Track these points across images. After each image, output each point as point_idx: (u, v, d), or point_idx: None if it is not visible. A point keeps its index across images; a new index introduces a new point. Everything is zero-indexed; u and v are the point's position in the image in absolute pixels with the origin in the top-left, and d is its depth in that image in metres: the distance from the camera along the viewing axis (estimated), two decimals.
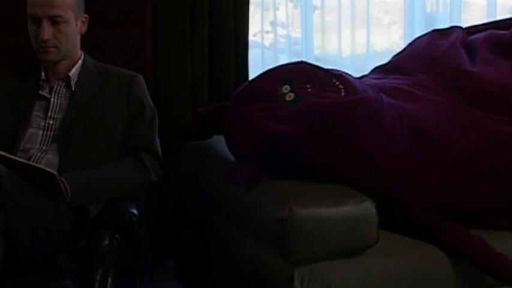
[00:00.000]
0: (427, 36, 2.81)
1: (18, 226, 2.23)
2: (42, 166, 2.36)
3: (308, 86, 2.30)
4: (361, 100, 2.30)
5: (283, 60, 3.56)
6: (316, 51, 3.74)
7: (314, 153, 2.26)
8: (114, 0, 3.18)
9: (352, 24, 3.76)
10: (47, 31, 2.55)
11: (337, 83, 2.33)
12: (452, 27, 2.83)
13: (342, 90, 2.31)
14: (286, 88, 2.31)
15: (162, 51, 3.34)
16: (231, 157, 2.58)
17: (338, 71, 2.45)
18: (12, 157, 2.35)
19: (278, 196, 2.18)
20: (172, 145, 3.00)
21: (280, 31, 3.76)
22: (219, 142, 2.76)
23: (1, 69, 2.91)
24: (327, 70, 2.42)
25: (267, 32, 3.72)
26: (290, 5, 3.78)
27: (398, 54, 2.90)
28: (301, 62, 2.45)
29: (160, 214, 3.11)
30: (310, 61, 2.54)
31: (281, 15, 3.76)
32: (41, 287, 2.34)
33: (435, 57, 2.63)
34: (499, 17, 3.49)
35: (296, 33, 3.78)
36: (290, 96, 2.29)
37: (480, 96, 2.47)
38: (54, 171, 2.33)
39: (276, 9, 3.72)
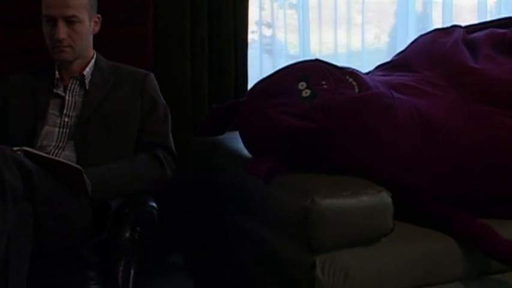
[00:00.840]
0: (430, 35, 2.97)
1: (44, 219, 2.34)
2: (68, 161, 2.46)
3: (323, 82, 2.44)
4: (373, 96, 2.44)
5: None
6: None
7: (330, 147, 2.39)
8: (117, 1, 3.27)
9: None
10: (63, 31, 2.64)
11: (350, 79, 2.47)
12: (452, 26, 2.99)
13: (356, 86, 2.45)
14: (302, 85, 2.44)
15: (163, 50, 3.45)
16: (243, 152, 2.71)
17: (350, 68, 2.59)
18: (39, 153, 2.45)
19: (299, 188, 2.30)
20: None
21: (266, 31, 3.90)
22: (227, 138, 2.91)
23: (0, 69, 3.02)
24: (340, 68, 2.56)
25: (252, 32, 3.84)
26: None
27: (400, 52, 3.05)
28: (316, 60, 2.58)
29: (165, 210, 3.23)
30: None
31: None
32: (66, 278, 2.43)
33: (440, 54, 2.78)
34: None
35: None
36: (307, 93, 2.42)
37: (485, 92, 2.62)
38: (79, 167, 2.43)
39: (261, 9, 3.86)
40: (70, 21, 2.65)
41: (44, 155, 2.46)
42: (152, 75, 2.85)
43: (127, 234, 2.51)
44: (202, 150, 2.98)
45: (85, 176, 2.44)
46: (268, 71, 3.25)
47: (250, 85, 3.53)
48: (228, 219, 2.76)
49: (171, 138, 2.80)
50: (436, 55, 2.79)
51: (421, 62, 2.79)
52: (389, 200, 2.31)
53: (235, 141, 2.82)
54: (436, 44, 2.84)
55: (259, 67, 3.79)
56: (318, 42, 3.88)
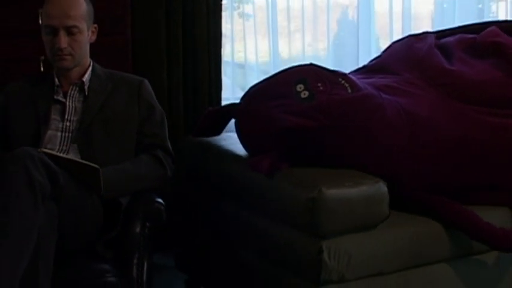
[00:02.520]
0: (404, 40, 3.31)
1: (65, 218, 2.54)
2: (86, 161, 2.69)
3: (319, 84, 2.74)
4: (365, 96, 2.75)
5: None
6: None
7: (328, 143, 2.69)
8: (99, 13, 3.50)
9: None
10: (64, 40, 2.84)
11: (343, 81, 2.78)
12: (424, 33, 3.35)
13: (348, 87, 2.76)
14: (300, 87, 2.74)
15: (141, 59, 3.70)
16: (235, 151, 2.99)
17: (340, 71, 2.92)
18: (57, 154, 2.66)
19: (305, 180, 2.59)
20: None
21: None
22: (216, 139, 3.18)
23: None
24: (333, 71, 2.87)
25: None
26: None
27: (375, 58, 3.40)
28: (310, 64, 2.88)
29: None
30: None
31: None
32: (84, 271, 2.63)
33: (418, 58, 3.12)
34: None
35: None
36: (305, 94, 2.72)
37: (461, 91, 2.96)
38: (97, 166, 2.67)
39: None
40: (70, 31, 2.85)
41: (64, 156, 2.68)
42: (146, 81, 3.07)
43: (138, 230, 2.74)
44: (192, 150, 3.24)
45: (101, 175, 2.68)
46: None
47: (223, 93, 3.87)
48: (226, 215, 3.01)
49: (168, 140, 3.06)
50: (413, 59, 3.13)
51: (400, 66, 3.13)
52: (386, 189, 2.62)
53: (224, 141, 3.12)
54: (412, 49, 3.18)
55: None
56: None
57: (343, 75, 2.82)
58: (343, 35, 4.50)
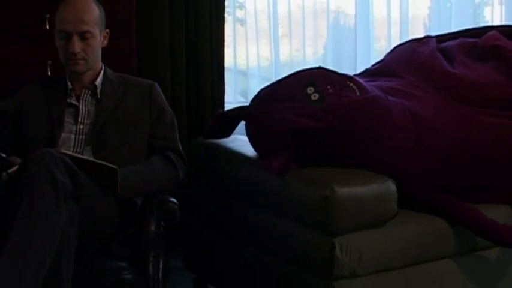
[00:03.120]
0: (407, 45, 3.45)
1: (84, 217, 2.66)
2: (104, 162, 2.79)
3: (329, 87, 2.87)
4: (373, 98, 2.88)
5: None
6: None
7: (338, 143, 2.81)
8: (106, 16, 3.61)
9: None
10: (78, 45, 2.95)
11: (351, 84, 2.91)
12: (426, 37, 3.50)
13: (356, 90, 2.89)
14: (310, 89, 2.86)
15: (145, 62, 3.81)
16: (247, 153, 3.11)
17: (347, 74, 3.05)
18: (76, 155, 2.77)
19: (317, 179, 2.71)
20: None
21: None
22: (226, 141, 3.30)
23: None
24: (341, 74, 3.00)
25: None
26: None
27: (378, 62, 3.54)
28: (319, 67, 3.01)
29: None
30: None
31: None
32: (101, 269, 2.75)
33: (421, 61, 3.26)
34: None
35: None
36: (315, 96, 2.84)
37: (463, 93, 3.10)
38: (115, 166, 2.78)
39: None
40: (84, 36, 2.96)
41: (82, 156, 2.79)
42: (157, 85, 3.18)
43: (153, 229, 2.86)
44: (201, 152, 3.36)
45: (119, 175, 2.79)
46: None
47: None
48: (236, 215, 3.13)
49: (179, 142, 3.18)
50: (417, 62, 3.26)
51: (403, 69, 3.26)
52: (394, 188, 2.75)
53: (232, 143, 3.24)
54: (415, 53, 3.32)
55: None
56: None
57: (351, 78, 2.95)
58: (340, 40, 4.61)
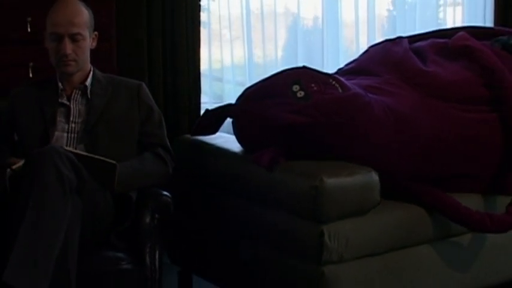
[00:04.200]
0: (381, 45, 3.73)
1: (85, 210, 2.86)
2: (104, 158, 2.98)
3: (313, 85, 3.11)
4: (354, 95, 3.14)
5: None
6: None
7: (323, 137, 3.04)
8: None
9: None
10: (69, 47, 3.13)
11: (333, 82, 3.16)
12: (398, 38, 3.79)
13: (339, 87, 3.14)
14: (296, 87, 3.10)
15: (124, 66, 4.00)
16: (232, 148, 3.35)
17: (330, 73, 3.32)
18: (77, 151, 2.96)
19: (306, 171, 2.94)
20: None
21: None
22: (210, 138, 3.53)
23: None
24: (323, 72, 3.26)
25: None
26: None
27: (351, 62, 3.82)
28: (303, 67, 3.26)
29: None
30: None
31: None
32: (100, 260, 2.94)
33: (395, 60, 3.53)
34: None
35: None
36: (301, 94, 3.09)
37: (437, 90, 3.37)
38: (115, 162, 2.98)
39: None
40: (75, 38, 3.13)
41: (83, 153, 2.97)
42: (144, 85, 3.37)
43: (148, 221, 3.06)
44: (186, 148, 3.59)
45: (118, 170, 3.00)
46: None
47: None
48: (224, 208, 3.35)
49: (167, 139, 3.37)
50: (392, 61, 3.54)
51: (379, 68, 3.53)
52: (377, 178, 3.01)
53: (216, 139, 3.48)
54: (390, 52, 3.60)
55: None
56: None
57: (333, 77, 3.20)
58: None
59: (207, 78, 4.44)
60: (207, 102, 4.36)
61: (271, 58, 4.63)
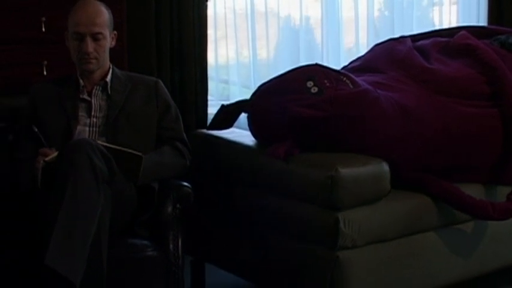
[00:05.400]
0: (386, 43, 4.02)
1: (113, 199, 3.08)
2: (130, 150, 3.17)
3: (326, 81, 3.39)
4: (364, 91, 3.42)
5: None
6: None
7: (336, 130, 3.29)
8: None
9: None
10: (91, 45, 3.34)
11: (344, 78, 3.44)
12: (402, 37, 4.09)
13: (349, 83, 3.42)
14: (310, 83, 3.38)
15: (134, 64, 4.24)
16: (246, 142, 3.62)
17: (341, 70, 3.62)
18: (105, 144, 3.18)
19: (322, 162, 3.20)
20: None
21: None
22: (223, 133, 3.80)
23: None
24: (335, 69, 3.56)
25: None
26: None
27: (356, 59, 4.12)
28: (315, 64, 3.55)
29: None
30: None
31: None
32: (127, 247, 3.18)
33: (400, 58, 3.82)
34: None
35: None
36: (315, 90, 3.37)
37: (441, 86, 3.65)
38: (141, 154, 3.24)
39: None
40: (96, 37, 3.35)
41: (111, 145, 3.18)
42: (161, 81, 3.60)
43: (170, 211, 3.31)
44: (200, 142, 3.84)
45: (143, 162, 3.25)
46: None
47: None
48: (240, 199, 3.61)
49: (184, 133, 3.59)
50: (397, 59, 3.82)
51: (385, 65, 3.82)
52: (387, 168, 3.30)
53: (229, 134, 3.74)
54: (394, 51, 3.90)
55: None
56: None
57: (344, 73, 3.48)
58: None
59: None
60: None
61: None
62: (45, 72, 3.78)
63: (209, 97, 4.49)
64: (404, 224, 3.39)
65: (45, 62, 3.78)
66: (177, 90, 4.37)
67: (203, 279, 3.98)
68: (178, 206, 3.34)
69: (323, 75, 3.38)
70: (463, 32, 3.99)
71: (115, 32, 3.51)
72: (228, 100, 4.42)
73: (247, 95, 3.84)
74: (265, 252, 3.49)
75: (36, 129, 3.31)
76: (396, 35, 4.35)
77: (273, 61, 4.87)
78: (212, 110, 4.26)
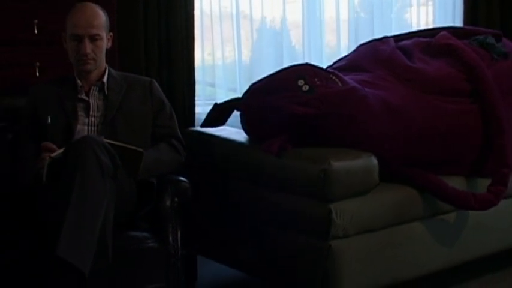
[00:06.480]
0: (370, 44, 4.27)
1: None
2: (131, 146, 3.35)
3: (316, 79, 3.64)
4: (353, 89, 3.67)
5: None
6: None
7: (326, 127, 3.51)
8: None
9: None
10: (88, 47, 3.53)
11: (333, 77, 3.69)
12: (385, 37, 4.37)
13: (338, 82, 3.67)
14: (301, 82, 3.61)
15: (123, 63, 4.45)
16: (239, 139, 3.85)
17: (329, 69, 3.88)
18: (108, 140, 3.31)
19: (314, 156, 3.43)
20: None
21: None
22: (215, 131, 4.04)
23: None
24: (324, 69, 3.82)
25: None
26: None
27: (341, 59, 4.39)
28: (306, 64, 3.81)
29: None
30: None
31: None
32: (129, 239, 3.36)
33: (385, 58, 4.07)
34: None
35: None
36: (306, 88, 3.60)
37: (424, 84, 3.89)
38: (142, 150, 3.40)
39: None
40: (93, 38, 3.53)
41: (114, 142, 3.32)
42: (155, 81, 3.80)
43: (168, 204, 3.51)
44: (194, 140, 4.07)
45: (143, 158, 3.42)
46: None
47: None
48: (234, 193, 3.84)
49: (178, 130, 3.80)
50: (381, 59, 4.07)
51: (370, 65, 4.07)
52: (376, 161, 3.55)
53: (220, 132, 3.97)
54: (379, 51, 4.15)
55: None
56: None
57: (332, 72, 3.73)
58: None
59: None
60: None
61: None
62: (37, 74, 3.96)
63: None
64: (391, 214, 3.63)
65: (38, 64, 3.95)
66: (165, 90, 4.55)
67: (195, 271, 4.20)
68: (176, 199, 3.53)
69: (313, 74, 3.62)
70: (443, 32, 4.26)
71: (111, 33, 3.70)
72: (215, 100, 4.62)
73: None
74: (260, 244, 3.71)
75: (49, 121, 3.50)
76: (375, 37, 4.62)
77: (255, 63, 5.10)
78: (199, 109, 4.54)
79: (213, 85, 4.92)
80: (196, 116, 4.55)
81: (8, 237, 3.29)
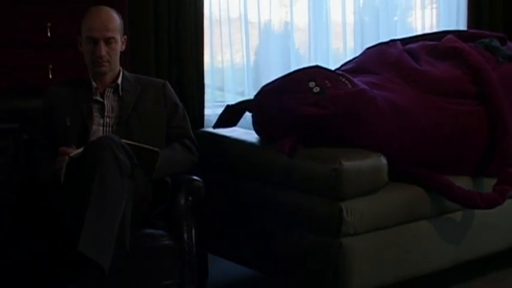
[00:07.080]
0: (377, 47, 4.41)
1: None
2: (148, 146, 3.48)
3: (326, 81, 3.77)
4: (362, 90, 3.81)
5: None
6: None
7: (336, 127, 3.64)
8: None
9: None
10: (104, 49, 3.66)
11: (343, 79, 3.83)
12: (392, 40, 4.52)
13: (348, 84, 3.81)
14: (312, 84, 3.75)
15: (135, 64, 4.55)
16: (250, 140, 4.00)
17: (339, 71, 4.03)
18: (125, 140, 3.43)
19: (326, 156, 3.55)
20: None
21: None
22: (226, 131, 4.18)
23: None
24: (334, 71, 3.97)
25: None
26: None
27: (348, 62, 4.53)
28: (316, 66, 3.95)
29: None
30: None
31: None
32: (145, 236, 3.50)
33: (392, 61, 4.21)
34: None
35: None
36: (316, 89, 3.74)
37: (430, 86, 4.02)
38: (158, 149, 3.52)
39: None
40: (108, 41, 3.67)
41: (129, 142, 3.44)
42: (168, 83, 3.93)
43: (182, 203, 3.64)
44: (207, 140, 4.19)
45: (159, 158, 3.54)
46: None
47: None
48: (245, 192, 3.97)
49: (191, 131, 3.92)
50: (388, 62, 4.20)
51: (377, 67, 4.21)
52: (385, 161, 3.67)
53: (232, 133, 4.10)
54: (386, 54, 4.29)
55: None
56: None
57: (342, 74, 3.88)
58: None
59: None
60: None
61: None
62: (50, 76, 4.08)
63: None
64: (400, 213, 3.75)
65: (50, 66, 4.07)
66: (175, 90, 4.67)
67: (206, 269, 4.34)
68: (190, 198, 3.67)
69: (323, 76, 3.76)
70: (449, 35, 4.40)
71: (125, 36, 3.83)
72: (223, 102, 4.75)
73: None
74: (270, 242, 3.83)
75: (69, 123, 3.63)
76: (380, 40, 4.77)
77: (262, 66, 5.23)
78: (208, 111, 4.67)
79: (221, 89, 5.03)
80: (206, 117, 4.65)
81: (17, 238, 3.45)
